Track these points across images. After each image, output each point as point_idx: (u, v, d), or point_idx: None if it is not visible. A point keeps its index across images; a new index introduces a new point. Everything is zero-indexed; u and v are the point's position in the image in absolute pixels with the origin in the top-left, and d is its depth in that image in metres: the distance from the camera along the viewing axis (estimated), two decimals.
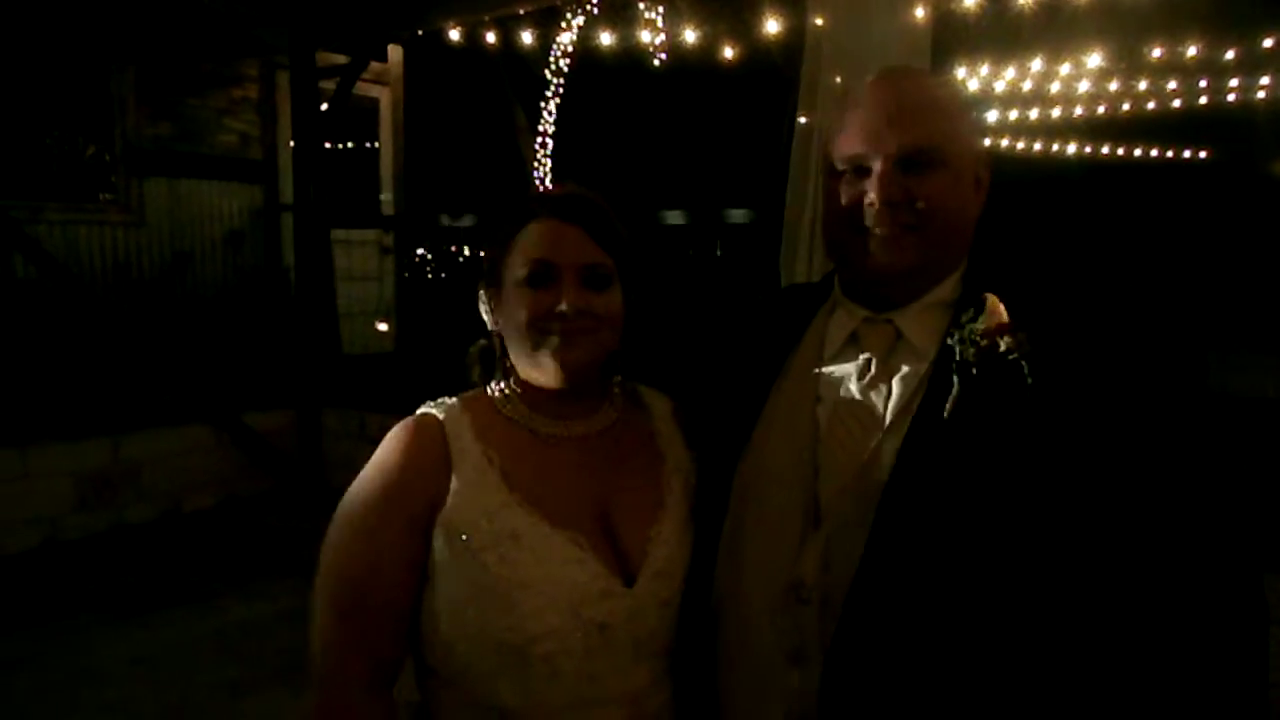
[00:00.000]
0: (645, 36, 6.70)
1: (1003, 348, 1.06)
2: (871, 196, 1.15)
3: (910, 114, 1.16)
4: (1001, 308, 1.08)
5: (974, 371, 1.07)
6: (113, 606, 4.26)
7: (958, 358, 1.09)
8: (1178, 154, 12.00)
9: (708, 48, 6.58)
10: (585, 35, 7.03)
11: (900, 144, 1.15)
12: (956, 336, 1.09)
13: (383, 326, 7.75)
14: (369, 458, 1.23)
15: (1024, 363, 1.05)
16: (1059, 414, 1.04)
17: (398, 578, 1.16)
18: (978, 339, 1.07)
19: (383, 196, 8.01)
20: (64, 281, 5.64)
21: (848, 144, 1.19)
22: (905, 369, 1.16)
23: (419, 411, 1.26)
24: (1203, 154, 12.16)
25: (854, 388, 1.18)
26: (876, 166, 1.15)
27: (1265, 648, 1.03)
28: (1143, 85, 8.35)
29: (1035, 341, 1.06)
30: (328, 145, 6.40)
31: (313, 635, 1.17)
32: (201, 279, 6.74)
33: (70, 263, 5.93)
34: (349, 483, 1.22)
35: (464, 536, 1.15)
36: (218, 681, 3.59)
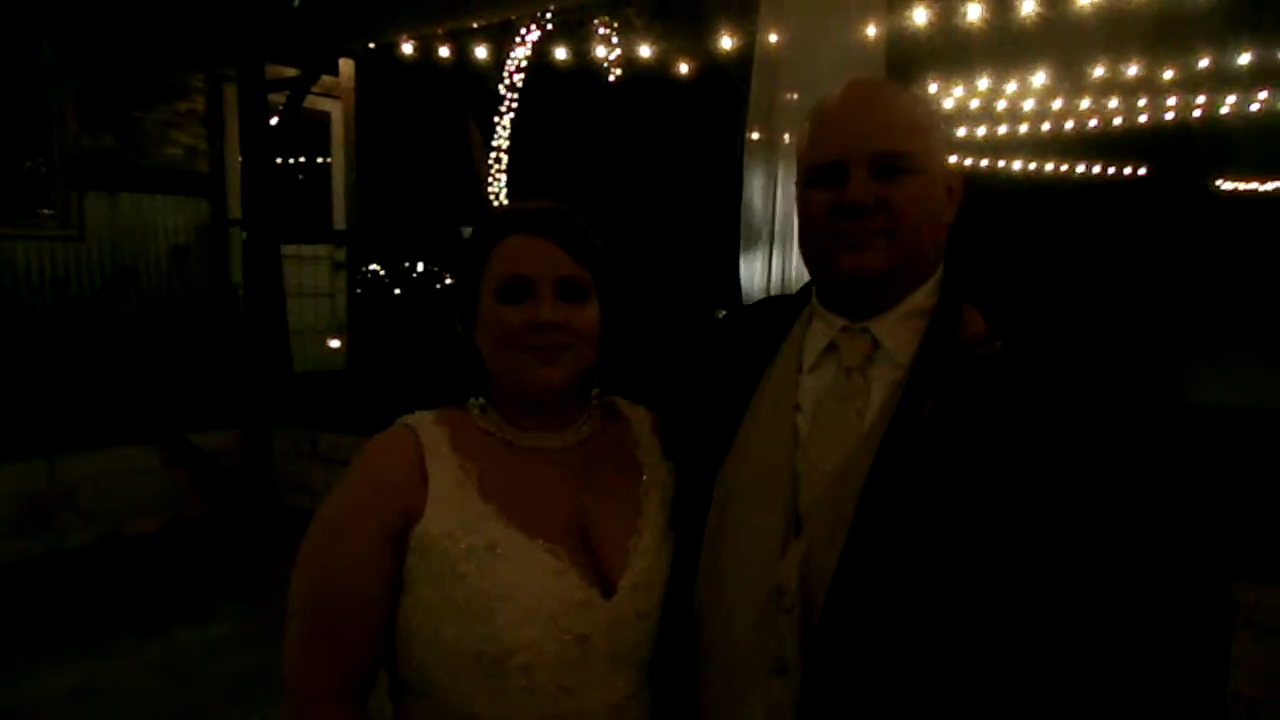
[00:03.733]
0: (600, 52, 6.71)
1: (979, 356, 1.06)
2: (844, 201, 1.15)
3: (882, 120, 1.17)
4: (978, 316, 1.09)
5: (950, 380, 1.08)
6: (51, 635, 4.10)
7: (934, 366, 1.09)
8: (1119, 170, 12.35)
9: (663, 63, 6.61)
10: (540, 50, 7.03)
11: (873, 149, 1.15)
12: (933, 345, 1.09)
13: (334, 343, 7.63)
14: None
15: (999, 371, 1.05)
16: (1034, 422, 1.04)
17: (371, 591, 1.15)
18: (954, 347, 1.07)
19: (334, 212, 7.90)
20: None
21: (820, 150, 1.20)
22: (883, 377, 1.16)
23: (396, 423, 1.25)
24: (1142, 170, 12.53)
25: (833, 396, 1.18)
26: (849, 171, 1.16)
27: (1228, 652, 1.05)
28: (1085, 103, 8.58)
29: (1011, 350, 1.06)
30: (278, 159, 6.30)
31: (285, 649, 1.16)
32: (145, 295, 6.57)
33: (6, 279, 5.75)
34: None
35: (440, 548, 1.13)
36: (166, 711, 3.48)
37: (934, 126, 1.22)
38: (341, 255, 7.76)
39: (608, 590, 1.16)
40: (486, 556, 1.13)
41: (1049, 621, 1.02)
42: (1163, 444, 1.07)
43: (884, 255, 1.15)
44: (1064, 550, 1.02)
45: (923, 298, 1.19)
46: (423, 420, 1.24)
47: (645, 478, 1.29)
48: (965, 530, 1.03)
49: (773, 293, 3.53)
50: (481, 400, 1.27)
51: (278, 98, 6.25)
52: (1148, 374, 1.09)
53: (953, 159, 1.27)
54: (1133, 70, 6.90)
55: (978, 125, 9.38)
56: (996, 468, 1.04)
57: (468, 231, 1.28)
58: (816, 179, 1.19)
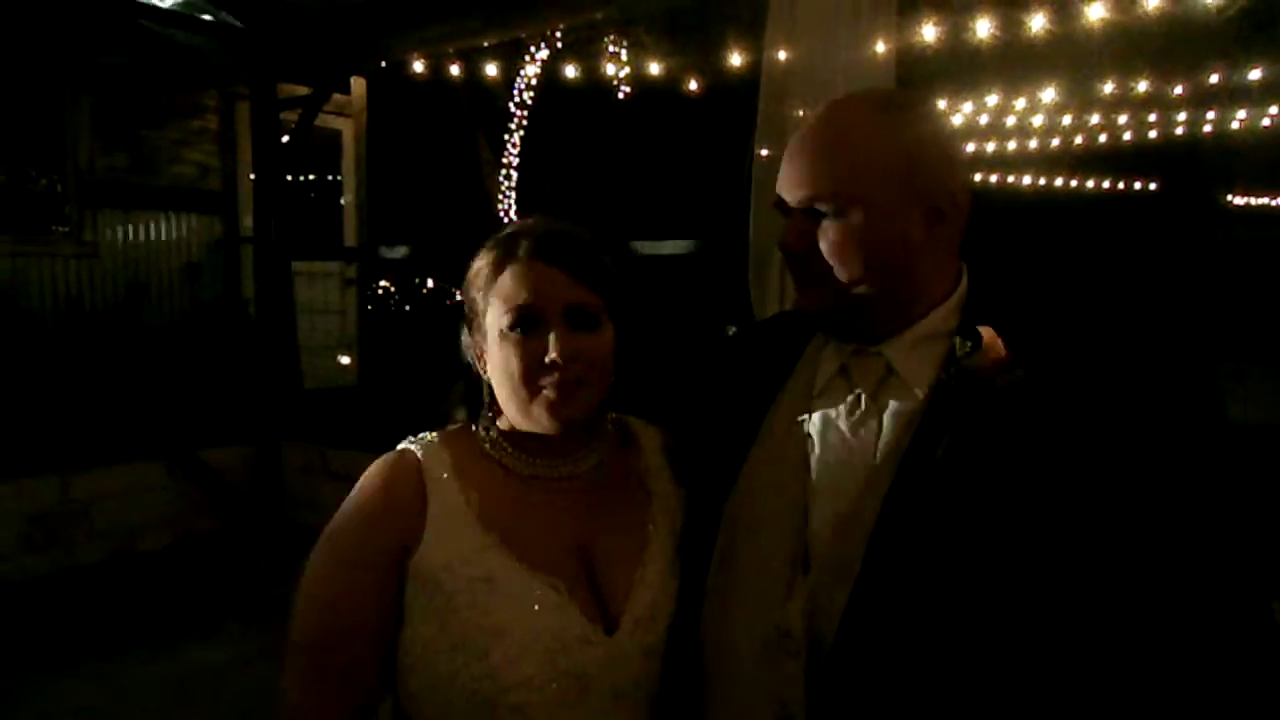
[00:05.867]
0: (610, 70, 6.74)
1: (999, 385, 1.01)
2: (781, 244, 1.13)
3: (820, 158, 1.09)
4: (999, 342, 1.03)
5: (968, 410, 1.02)
6: (61, 652, 4.10)
7: (951, 395, 1.04)
8: (1129, 185, 12.33)
9: (672, 81, 6.63)
10: (550, 68, 7.06)
11: (803, 191, 1.10)
12: (951, 372, 1.04)
13: (345, 360, 7.64)
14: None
15: (1020, 401, 0.99)
16: (1062, 456, 0.98)
17: (369, 622, 1.12)
18: (973, 375, 1.02)
19: (345, 229, 7.94)
20: (12, 315, 5.49)
21: (777, 187, 1.15)
22: (896, 405, 1.10)
23: (398, 448, 1.21)
24: (1153, 185, 12.50)
25: (844, 425, 1.13)
26: (790, 215, 1.12)
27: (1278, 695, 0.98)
28: (1095, 119, 8.57)
29: (1035, 378, 1.00)
30: (289, 177, 6.33)
31: (285, 676, 1.13)
32: (157, 312, 6.60)
33: (20, 296, 5.78)
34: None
35: (436, 580, 1.10)
36: None
37: (898, 155, 1.08)
38: (352, 272, 7.79)
39: (610, 625, 1.12)
40: (483, 589, 1.09)
41: (1076, 673, 0.96)
42: (1208, 480, 1.00)
43: (825, 296, 1.11)
44: (1090, 592, 0.96)
45: (939, 321, 1.12)
46: (425, 443, 1.20)
47: (654, 505, 1.24)
48: (983, 573, 0.97)
49: (786, 309, 3.52)
50: (489, 429, 1.23)
51: (290, 116, 6.29)
52: (1187, 403, 1.03)
53: (947, 176, 1.12)
54: (1143, 86, 6.90)
55: (987, 140, 9.37)
56: (1020, 506, 0.97)
57: (477, 252, 1.23)
58: (782, 214, 1.16)
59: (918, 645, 0.99)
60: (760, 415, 1.21)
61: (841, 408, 1.14)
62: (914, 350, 1.11)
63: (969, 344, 1.04)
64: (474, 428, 1.24)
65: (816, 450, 1.13)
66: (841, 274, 1.09)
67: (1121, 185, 12.33)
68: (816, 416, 1.16)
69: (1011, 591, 0.97)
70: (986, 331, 1.04)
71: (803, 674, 1.04)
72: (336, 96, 6.95)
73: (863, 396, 1.13)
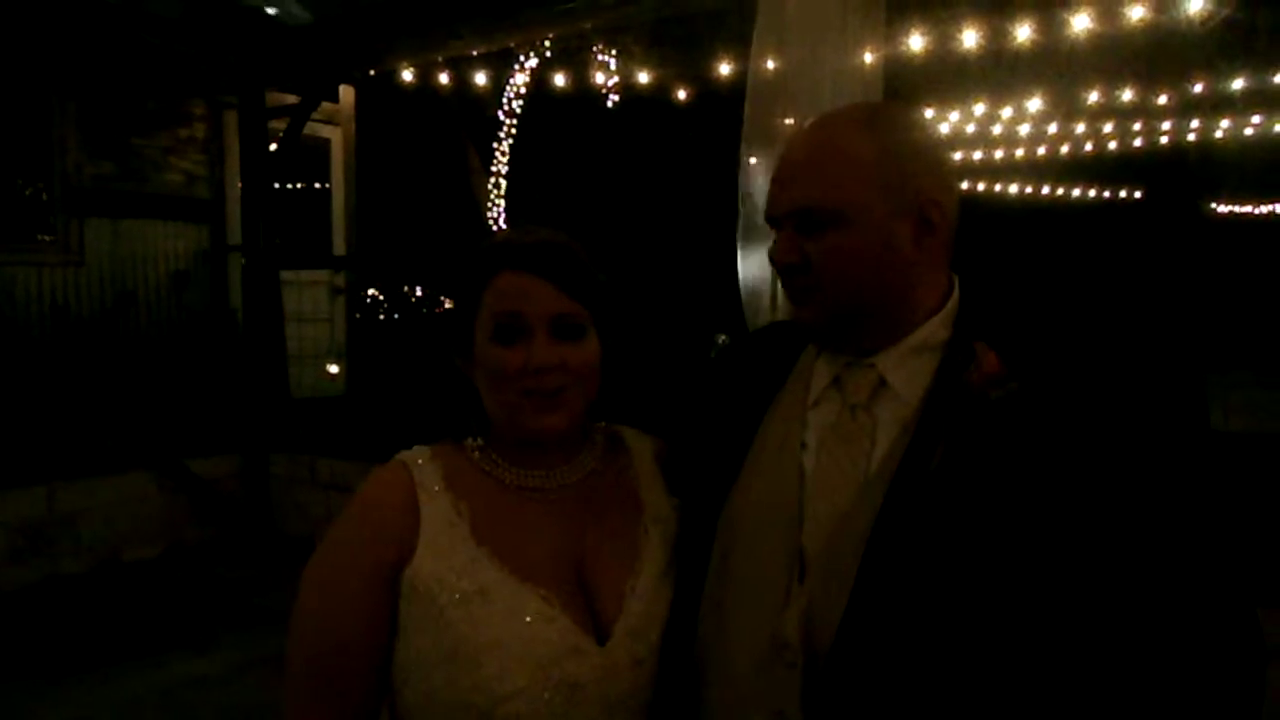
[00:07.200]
0: (598, 78, 6.76)
1: (993, 398, 1.01)
2: (771, 257, 1.15)
3: (808, 171, 1.12)
4: (992, 355, 1.03)
5: (962, 422, 1.03)
6: (48, 665, 4.06)
7: (945, 407, 1.04)
8: (1114, 193, 12.41)
9: (661, 89, 6.66)
10: (538, 77, 7.08)
11: (792, 204, 1.12)
12: (944, 384, 1.05)
13: (333, 369, 7.62)
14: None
15: (1016, 414, 1.00)
16: (1049, 465, 1.00)
17: (364, 637, 1.12)
18: (967, 388, 1.03)
19: (333, 237, 7.92)
20: None
21: (766, 202, 1.18)
22: (889, 416, 1.11)
23: (390, 461, 1.22)
24: (1138, 194, 12.58)
25: (837, 435, 1.14)
26: (780, 227, 1.14)
27: (1261, 698, 1.00)
28: (1080, 128, 8.64)
29: (1028, 391, 1.01)
30: (277, 185, 6.32)
31: (285, 692, 1.14)
32: (144, 321, 6.57)
33: (5, 305, 5.75)
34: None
35: (429, 594, 1.10)
36: None
37: (886, 167, 1.10)
38: (341, 280, 7.77)
39: (603, 636, 1.12)
40: (476, 602, 1.09)
41: (1069, 679, 0.97)
42: (1195, 493, 1.01)
43: (815, 308, 1.13)
44: (1082, 602, 0.97)
45: (931, 332, 1.13)
46: (417, 456, 1.21)
47: (646, 514, 1.24)
48: (979, 585, 0.98)
49: (778, 319, 3.53)
50: (480, 440, 1.24)
51: (278, 124, 6.29)
52: (1175, 416, 1.05)
53: (935, 187, 1.12)
54: (1128, 95, 6.96)
55: (974, 149, 9.44)
56: (1013, 517, 0.98)
57: (465, 261, 1.24)
58: (773, 227, 1.18)
59: (914, 654, 1.00)
60: (754, 425, 1.22)
61: (835, 418, 1.15)
62: (906, 362, 1.12)
63: (962, 357, 1.05)
64: (466, 441, 1.25)
65: (811, 461, 1.14)
66: (832, 286, 1.11)
67: (1107, 194, 12.40)
68: (811, 427, 1.17)
69: (1005, 601, 0.98)
70: (980, 345, 1.05)
71: (800, 683, 1.05)
72: (325, 105, 6.94)
73: (856, 408, 1.14)
